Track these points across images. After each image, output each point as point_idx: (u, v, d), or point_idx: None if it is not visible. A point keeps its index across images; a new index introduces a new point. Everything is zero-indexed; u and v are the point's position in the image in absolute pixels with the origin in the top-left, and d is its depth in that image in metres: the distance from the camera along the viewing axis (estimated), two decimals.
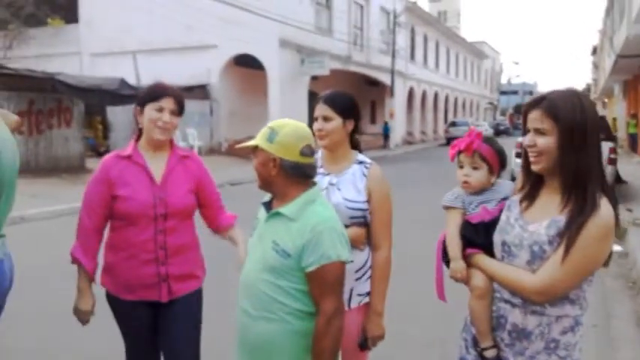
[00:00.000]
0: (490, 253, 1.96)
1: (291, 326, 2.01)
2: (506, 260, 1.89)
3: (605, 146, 10.65)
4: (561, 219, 1.76)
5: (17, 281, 2.51)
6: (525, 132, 1.86)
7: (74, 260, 2.58)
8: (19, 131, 14.51)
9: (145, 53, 20.74)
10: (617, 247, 7.65)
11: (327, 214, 2.05)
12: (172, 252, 2.57)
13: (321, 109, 2.51)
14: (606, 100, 49.37)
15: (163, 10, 21.95)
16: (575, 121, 1.73)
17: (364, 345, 2.48)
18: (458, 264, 2.00)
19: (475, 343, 2.00)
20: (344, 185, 2.46)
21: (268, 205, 2.16)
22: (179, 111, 2.60)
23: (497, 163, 2.09)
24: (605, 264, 1.81)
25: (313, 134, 2.32)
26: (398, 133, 34.40)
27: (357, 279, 2.46)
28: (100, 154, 18.66)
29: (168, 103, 2.55)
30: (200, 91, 21.42)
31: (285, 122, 2.08)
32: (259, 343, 2.03)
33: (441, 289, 2.16)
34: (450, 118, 45.90)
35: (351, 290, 2.45)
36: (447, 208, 2.12)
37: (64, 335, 4.45)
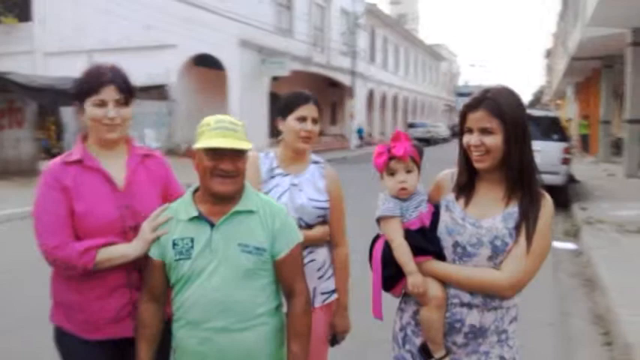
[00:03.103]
0: (439, 257, 1.92)
1: (269, 326, 1.99)
2: (459, 261, 1.88)
3: (559, 146, 10.91)
4: (515, 210, 1.83)
5: None
6: (463, 132, 1.90)
7: (87, 259, 1.97)
8: None
9: (102, 52, 20.22)
10: (571, 246, 7.83)
11: (275, 202, 2.12)
12: None
13: (313, 111, 2.47)
14: (559, 101, 50.78)
15: (121, 8, 21.46)
16: (517, 118, 1.82)
17: (335, 342, 2.55)
18: (417, 277, 1.89)
19: (424, 353, 1.95)
20: (305, 186, 2.46)
21: (201, 218, 1.95)
22: (126, 99, 2.10)
23: (421, 163, 2.05)
24: None
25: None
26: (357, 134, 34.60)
27: (319, 277, 2.47)
28: (53, 156, 18.09)
29: (109, 94, 2.05)
30: (158, 92, 21.04)
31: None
32: (242, 356, 1.93)
33: (379, 306, 2.01)
34: (409, 119, 46.49)
35: (314, 289, 2.43)
36: (385, 218, 1.99)
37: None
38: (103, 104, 2.05)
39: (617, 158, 18.52)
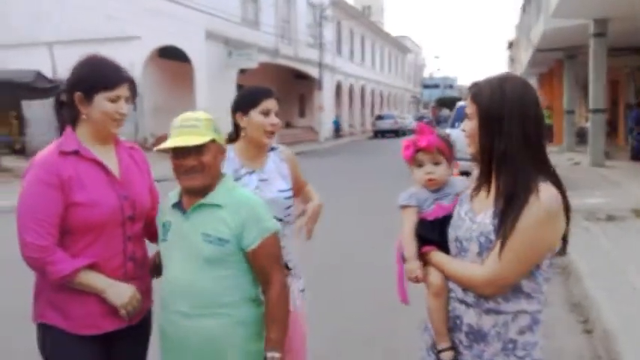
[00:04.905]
0: (447, 250, 1.92)
1: (234, 318, 2.01)
2: (459, 256, 1.86)
3: None
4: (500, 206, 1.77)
5: None
6: None
7: (63, 278, 1.97)
8: None
9: (62, 45, 19.65)
10: None
11: (250, 194, 2.18)
12: (141, 262, 2.18)
13: (275, 104, 2.50)
14: None
15: None
16: (491, 106, 1.76)
17: None
18: (412, 264, 1.96)
19: (434, 345, 1.94)
20: (274, 177, 2.51)
21: (178, 205, 2.08)
22: (132, 97, 2.18)
23: (451, 155, 2.09)
24: (562, 251, 1.80)
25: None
26: (327, 126, 34.57)
27: (293, 275, 2.55)
28: (15, 152, 17.59)
29: (124, 91, 2.11)
30: None
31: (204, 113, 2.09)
32: (204, 343, 1.99)
33: (403, 292, 2.08)
34: (376, 111, 46.75)
35: (292, 291, 2.47)
36: (402, 207, 2.07)
37: None
38: (116, 100, 2.09)
39: (581, 147, 18.91)
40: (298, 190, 2.67)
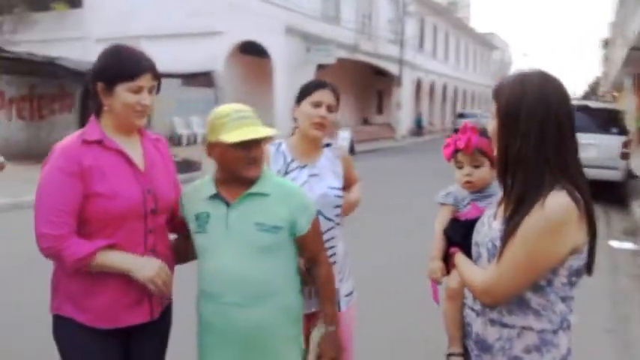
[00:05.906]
0: (467, 252, 1.85)
1: (281, 304, 2.04)
2: (477, 261, 1.78)
3: (619, 140, 10.38)
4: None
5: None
6: None
7: (81, 260, 1.90)
8: (21, 116, 14.32)
9: (150, 39, 20.45)
10: (630, 246, 7.40)
11: (291, 182, 2.24)
12: (163, 255, 2.09)
13: (329, 97, 2.39)
14: (616, 93, 48.79)
15: None
16: (509, 106, 1.63)
17: None
18: (434, 264, 1.97)
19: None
20: (325, 173, 2.43)
21: (218, 197, 2.04)
22: (157, 86, 2.07)
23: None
24: (587, 270, 1.61)
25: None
26: (405, 124, 34.05)
27: (340, 280, 2.46)
28: None
29: (147, 81, 1.99)
30: (204, 79, 21.17)
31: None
32: (253, 331, 2.00)
33: (435, 292, 2.07)
34: (459, 109, 45.53)
35: (338, 291, 2.41)
36: (440, 204, 2.09)
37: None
38: (139, 91, 1.99)
39: None
40: (347, 187, 2.57)
